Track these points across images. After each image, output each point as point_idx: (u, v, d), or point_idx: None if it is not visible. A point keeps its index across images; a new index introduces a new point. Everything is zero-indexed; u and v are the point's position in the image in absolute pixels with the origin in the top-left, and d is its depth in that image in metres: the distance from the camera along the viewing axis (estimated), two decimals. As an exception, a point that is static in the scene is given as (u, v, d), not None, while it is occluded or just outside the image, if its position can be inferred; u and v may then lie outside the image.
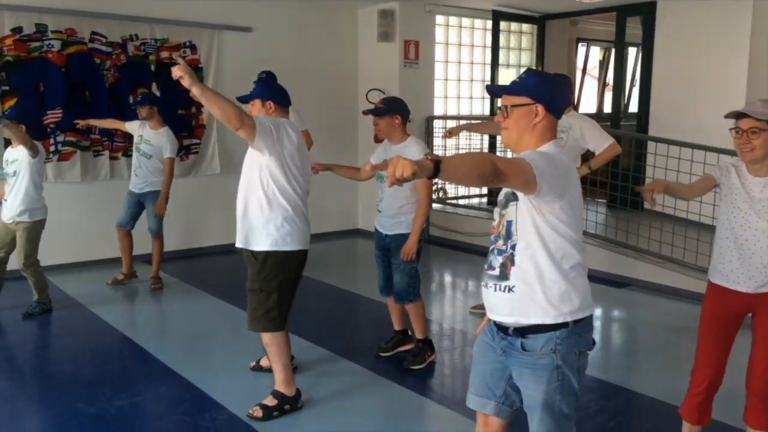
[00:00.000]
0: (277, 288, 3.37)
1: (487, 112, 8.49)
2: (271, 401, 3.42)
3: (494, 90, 2.38)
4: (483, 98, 8.64)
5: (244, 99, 3.46)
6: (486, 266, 2.25)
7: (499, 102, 2.29)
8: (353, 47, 8.00)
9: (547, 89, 2.18)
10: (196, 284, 6.00)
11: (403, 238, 3.96)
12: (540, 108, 2.16)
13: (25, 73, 5.94)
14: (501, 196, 2.26)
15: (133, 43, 6.50)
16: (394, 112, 3.99)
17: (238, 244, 3.43)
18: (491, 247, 2.25)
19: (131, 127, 5.78)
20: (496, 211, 2.27)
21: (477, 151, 2.07)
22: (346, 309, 5.47)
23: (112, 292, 5.75)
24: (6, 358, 4.42)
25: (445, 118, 8.12)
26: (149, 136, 5.66)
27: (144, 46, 6.57)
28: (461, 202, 8.23)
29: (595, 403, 3.59)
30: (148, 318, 5.46)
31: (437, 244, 7.47)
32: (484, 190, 8.26)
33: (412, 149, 3.93)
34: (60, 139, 6.20)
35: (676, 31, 7.12)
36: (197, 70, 6.90)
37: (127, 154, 6.53)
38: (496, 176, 1.86)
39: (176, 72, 2.91)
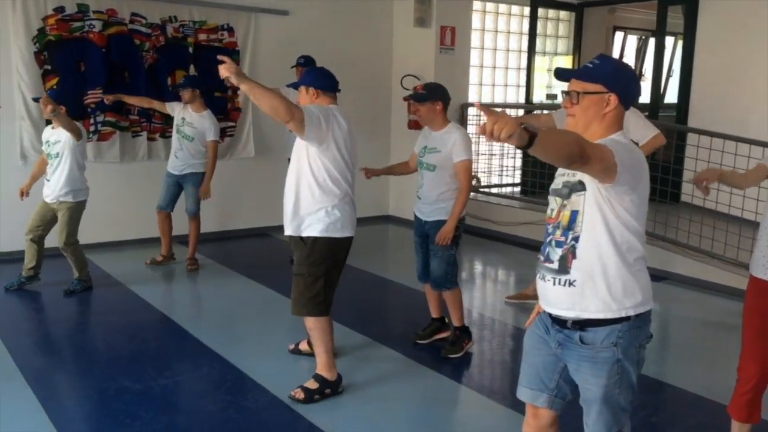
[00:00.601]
0: (324, 273, 3.39)
1: (522, 99, 8.41)
2: (312, 384, 3.45)
3: (563, 74, 2.32)
4: (518, 86, 8.56)
5: (295, 85, 3.49)
6: (542, 257, 2.23)
7: (565, 87, 2.24)
8: (388, 32, 7.96)
9: (623, 79, 2.13)
10: (231, 266, 6.05)
11: (442, 224, 3.95)
12: (613, 98, 2.11)
13: (66, 52, 6.00)
14: (559, 185, 2.20)
15: (172, 24, 6.53)
16: (436, 97, 3.97)
17: (288, 232, 3.42)
18: (548, 238, 2.21)
19: (171, 108, 5.82)
20: (553, 200, 2.22)
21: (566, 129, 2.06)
22: (380, 295, 5.49)
23: (149, 271, 5.83)
24: (49, 335, 4.51)
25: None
26: (192, 118, 5.69)
27: (183, 28, 6.59)
28: (493, 190, 8.18)
29: (636, 398, 3.56)
30: (185, 298, 5.54)
31: (470, 233, 7.43)
32: (517, 179, 8.21)
33: (453, 135, 3.94)
34: (100, 119, 6.26)
35: (719, 21, 6.97)
36: (234, 53, 6.92)
37: (165, 135, 6.58)
38: (581, 159, 1.84)
39: (223, 72, 3.00)
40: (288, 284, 5.32)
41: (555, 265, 2.15)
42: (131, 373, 3.73)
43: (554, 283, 2.14)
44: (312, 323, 3.43)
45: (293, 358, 4.05)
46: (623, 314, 2.08)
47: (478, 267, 6.67)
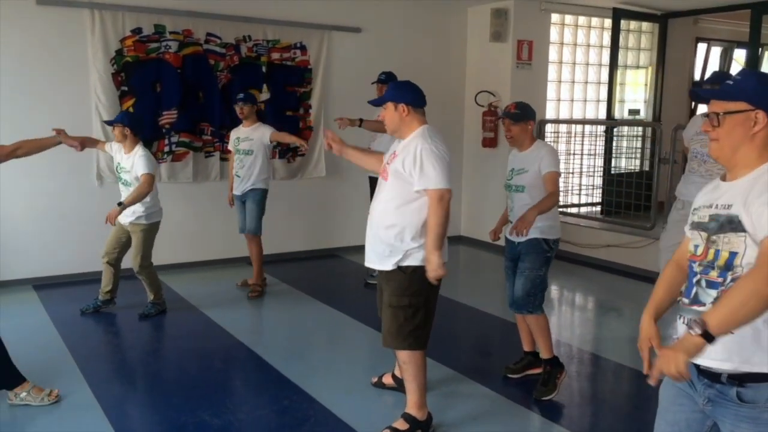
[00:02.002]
0: (424, 303, 3.18)
1: (602, 115, 8.03)
2: (402, 425, 3.20)
3: (701, 94, 2.05)
4: (597, 101, 8.18)
5: (376, 103, 3.29)
6: (687, 299, 1.93)
7: (705, 108, 1.97)
8: (462, 47, 7.74)
9: None
10: (303, 289, 5.89)
11: (535, 242, 3.72)
12: (761, 115, 1.83)
13: (143, 73, 6.00)
14: (704, 218, 1.90)
15: (246, 44, 6.48)
16: (529, 117, 3.83)
17: (378, 265, 3.21)
18: (695, 278, 1.92)
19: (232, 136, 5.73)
20: (697, 234, 1.92)
21: (741, 280, 1.83)
22: (462, 322, 5.20)
23: (222, 294, 5.71)
24: (125, 361, 4.41)
25: (557, 122, 7.73)
26: (245, 133, 5.59)
27: (256, 47, 6.53)
28: (571, 210, 7.80)
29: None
30: (259, 323, 5.39)
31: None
32: (597, 198, 7.81)
33: (540, 151, 3.75)
34: (174, 139, 6.24)
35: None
36: (306, 72, 6.83)
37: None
38: None
39: (327, 144, 3.36)
40: (362, 309, 5.22)
41: (707, 309, 1.85)
42: (210, 407, 3.56)
43: None
44: (408, 357, 3.19)
45: (376, 393, 3.82)
46: None
47: (561, 292, 6.31)
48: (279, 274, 6.22)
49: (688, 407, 1.97)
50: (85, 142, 3.65)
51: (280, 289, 5.90)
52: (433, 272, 3.03)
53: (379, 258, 3.18)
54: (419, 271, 3.12)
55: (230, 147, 5.72)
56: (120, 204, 4.69)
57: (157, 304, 5.08)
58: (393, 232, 3.11)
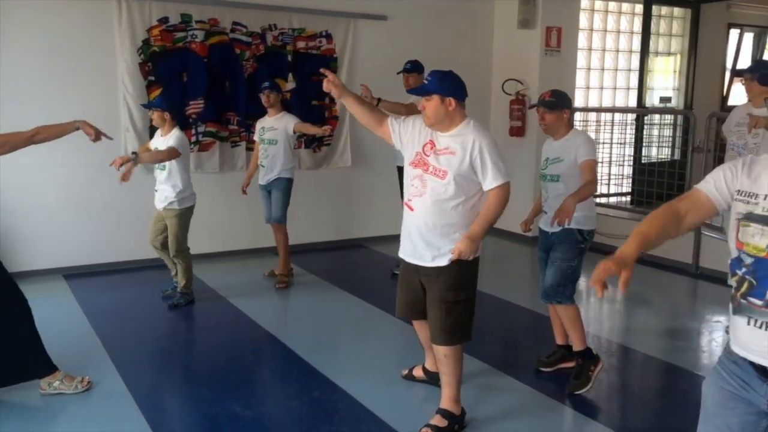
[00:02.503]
0: (473, 296, 3.17)
1: (633, 103, 7.89)
2: (440, 422, 3.15)
3: None
4: (627, 89, 8.03)
5: (419, 92, 3.16)
6: (748, 297, 1.83)
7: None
8: (488, 35, 7.62)
9: None
10: (330, 279, 5.87)
11: (569, 232, 3.64)
12: None
13: (169, 63, 5.99)
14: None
15: (271, 33, 6.43)
16: (564, 105, 3.73)
17: (427, 264, 3.13)
18: (760, 273, 1.82)
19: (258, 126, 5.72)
20: (761, 229, 1.84)
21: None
22: (493, 315, 5.14)
23: (249, 284, 5.71)
24: (156, 351, 4.42)
25: (587, 110, 7.59)
26: (270, 123, 5.56)
27: (282, 36, 6.49)
28: (601, 200, 7.68)
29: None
30: (287, 314, 5.38)
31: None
32: (626, 188, 7.68)
33: (576, 140, 3.66)
34: (201, 129, 6.23)
35: None
36: (332, 60, 6.77)
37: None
38: None
39: (327, 86, 3.06)
40: (389, 300, 5.11)
41: None
42: (241, 398, 3.55)
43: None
44: (450, 351, 3.14)
45: (406, 385, 3.78)
46: None
47: (587, 283, 6.21)
48: (305, 265, 6.20)
49: (741, 410, 1.90)
50: (100, 134, 3.63)
51: (307, 279, 5.88)
52: (465, 253, 2.97)
53: (432, 256, 3.09)
54: (473, 263, 3.10)
55: (256, 137, 5.70)
56: (134, 153, 4.75)
57: (185, 293, 5.09)
58: (452, 230, 3.05)
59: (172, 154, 4.81)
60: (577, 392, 3.66)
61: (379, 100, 5.26)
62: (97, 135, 3.67)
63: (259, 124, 5.67)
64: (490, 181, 3.01)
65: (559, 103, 3.69)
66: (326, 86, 3.06)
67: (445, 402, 3.20)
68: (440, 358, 3.19)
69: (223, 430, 3.23)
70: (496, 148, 3.05)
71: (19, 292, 3.49)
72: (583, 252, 3.74)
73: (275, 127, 5.50)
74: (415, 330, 3.60)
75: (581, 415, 3.49)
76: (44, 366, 3.56)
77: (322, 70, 3.11)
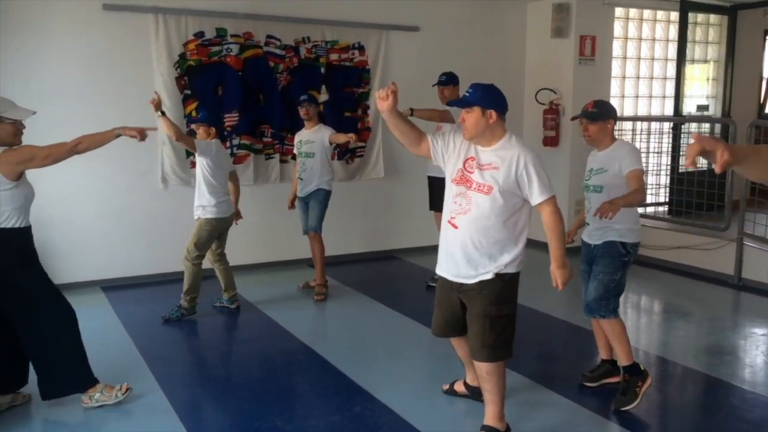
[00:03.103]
0: (515, 311, 3.13)
1: (669, 111, 7.76)
2: (484, 438, 3.11)
3: None
4: (663, 97, 7.91)
5: (460, 104, 3.12)
6: None
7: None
8: (521, 44, 7.58)
9: None
10: (364, 291, 5.84)
11: (612, 245, 3.60)
12: None
13: (205, 77, 6.04)
14: None
15: (305, 45, 6.46)
16: (608, 116, 3.68)
17: (470, 281, 3.07)
18: None
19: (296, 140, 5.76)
20: None
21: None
22: (531, 328, 5.06)
23: (284, 296, 5.71)
24: (196, 363, 4.45)
25: (622, 119, 7.47)
26: (307, 136, 5.59)
27: (315, 48, 6.51)
28: (638, 210, 7.55)
29: None
30: (323, 326, 5.37)
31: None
32: (663, 198, 7.54)
33: (621, 150, 3.61)
34: (235, 142, 6.27)
35: None
36: (364, 72, 6.78)
37: (296, 158, 6.51)
38: None
39: (381, 105, 2.94)
40: (425, 312, 5.07)
41: None
42: (281, 412, 3.54)
43: None
44: (493, 368, 3.09)
45: (448, 400, 3.73)
46: None
47: (626, 295, 6.09)
48: (339, 276, 6.18)
49: None
50: (144, 131, 3.59)
51: (341, 291, 5.87)
52: (567, 280, 3.05)
53: (476, 274, 3.04)
54: (515, 278, 3.07)
55: (295, 150, 5.73)
56: (162, 112, 4.79)
57: (183, 308, 5.01)
58: (498, 246, 3.01)
59: (189, 143, 4.89)
60: (623, 408, 3.57)
61: (412, 110, 5.22)
62: (142, 133, 3.62)
63: (297, 138, 5.70)
64: (536, 196, 2.98)
65: (602, 114, 3.64)
66: (382, 94, 2.89)
67: (490, 419, 3.14)
68: (482, 375, 3.13)
69: (266, 445, 3.22)
70: (541, 163, 3.02)
71: (67, 304, 3.53)
72: (626, 265, 3.67)
73: (312, 140, 5.51)
74: (453, 346, 3.55)
75: (627, 431, 3.40)
76: (86, 379, 3.58)
77: (378, 92, 2.95)
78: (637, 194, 3.45)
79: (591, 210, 3.68)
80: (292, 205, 5.83)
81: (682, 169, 7.25)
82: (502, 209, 2.98)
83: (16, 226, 3.34)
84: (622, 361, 3.69)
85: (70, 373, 3.54)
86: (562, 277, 3.04)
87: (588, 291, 3.69)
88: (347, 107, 6.77)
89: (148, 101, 4.76)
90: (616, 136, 3.75)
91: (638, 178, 3.50)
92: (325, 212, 5.60)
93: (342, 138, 5.50)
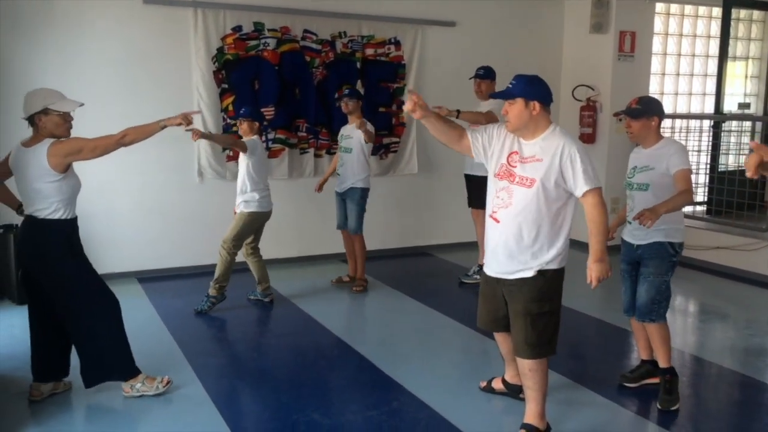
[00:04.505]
0: (558, 308, 3.07)
1: (710, 109, 7.60)
2: (524, 436, 3.07)
3: None
4: (704, 95, 7.75)
5: (502, 96, 3.07)
6: None
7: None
8: (558, 40, 7.48)
9: None
10: (398, 287, 5.83)
11: (659, 246, 3.51)
12: None
13: (242, 71, 6.07)
14: None
15: (341, 40, 6.46)
16: (652, 113, 3.57)
17: (511, 276, 3.04)
18: None
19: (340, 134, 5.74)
20: None
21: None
22: (567, 327, 4.98)
23: (318, 290, 5.72)
24: (233, 356, 4.49)
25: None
26: (348, 131, 5.57)
27: (351, 43, 6.50)
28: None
29: None
30: (357, 321, 5.37)
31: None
32: (702, 197, 7.40)
33: (669, 148, 3.51)
34: (271, 136, 6.29)
35: None
36: (400, 67, 6.75)
37: (330, 152, 6.53)
38: None
39: (412, 107, 2.87)
40: (460, 309, 5.11)
41: None
42: (319, 406, 3.54)
43: None
44: (536, 365, 3.05)
45: (485, 397, 3.70)
46: None
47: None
48: (372, 272, 6.15)
49: None
50: (188, 115, 3.58)
51: (375, 286, 5.86)
52: (603, 275, 2.94)
53: (516, 269, 3.01)
54: (558, 274, 3.01)
55: (339, 143, 5.73)
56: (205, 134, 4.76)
57: (212, 297, 5.06)
58: (539, 242, 2.96)
59: (240, 146, 4.91)
60: (671, 408, 3.52)
61: (458, 112, 5.19)
62: (186, 119, 3.57)
63: (341, 132, 5.69)
64: (581, 187, 2.91)
65: (645, 110, 3.55)
66: (409, 107, 2.87)
67: (530, 417, 3.11)
68: (524, 372, 3.10)
69: (305, 438, 3.22)
70: (586, 154, 2.96)
71: (111, 294, 3.58)
72: (675, 266, 3.61)
73: (351, 135, 5.51)
74: (496, 342, 3.52)
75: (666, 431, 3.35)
76: (129, 368, 3.62)
77: (409, 90, 2.99)
78: (682, 197, 3.37)
79: (634, 209, 3.60)
80: (319, 189, 5.82)
81: (722, 168, 7.11)
82: (545, 203, 2.93)
83: (64, 217, 3.38)
84: (663, 363, 3.64)
85: (113, 361, 3.59)
86: (597, 271, 2.93)
87: (639, 295, 3.59)
88: (382, 102, 6.74)
89: (188, 134, 4.42)
90: (663, 135, 3.68)
91: (686, 178, 3.42)
92: (364, 211, 5.60)
93: (364, 135, 5.34)
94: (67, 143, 3.35)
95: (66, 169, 3.36)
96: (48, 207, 3.34)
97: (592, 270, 2.94)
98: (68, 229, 3.43)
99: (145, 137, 3.51)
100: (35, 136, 3.37)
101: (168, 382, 3.66)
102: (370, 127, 5.37)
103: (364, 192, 5.57)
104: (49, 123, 3.33)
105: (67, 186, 3.37)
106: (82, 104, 3.42)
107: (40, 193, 3.33)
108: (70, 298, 3.46)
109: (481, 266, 5.66)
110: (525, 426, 3.10)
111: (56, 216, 3.36)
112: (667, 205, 3.33)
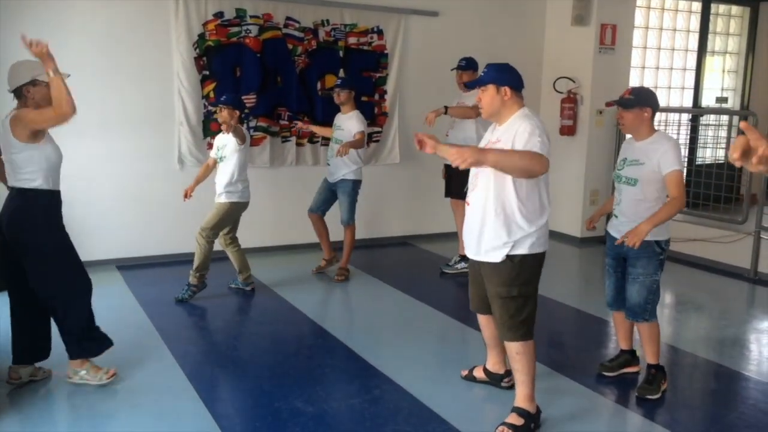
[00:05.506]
0: (533, 292, 3.12)
1: (688, 103, 7.70)
2: (517, 420, 3.11)
3: None
4: (682, 88, 7.84)
5: (474, 84, 3.14)
6: None
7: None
8: (540, 32, 7.51)
9: None
10: (379, 276, 5.84)
11: (645, 245, 3.45)
12: None
13: (224, 58, 6.01)
14: None
15: (323, 28, 6.42)
16: (645, 104, 3.53)
17: (482, 257, 3.11)
18: None
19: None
20: None
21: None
22: (545, 316, 5.04)
23: (299, 279, 5.71)
24: (214, 344, 4.47)
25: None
26: (340, 121, 5.56)
27: (334, 31, 6.47)
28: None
29: None
30: (339, 310, 5.38)
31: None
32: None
33: (661, 145, 3.47)
34: (252, 124, 6.24)
35: None
36: (382, 56, 6.74)
37: (312, 140, 6.51)
38: None
39: (428, 150, 2.94)
40: (440, 298, 5.16)
41: None
42: (302, 394, 3.54)
43: None
44: (521, 347, 3.11)
45: (466, 385, 3.73)
46: None
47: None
48: (353, 261, 6.12)
49: None
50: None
51: (357, 276, 5.86)
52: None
53: (484, 250, 3.08)
54: (529, 259, 3.04)
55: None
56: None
57: (193, 286, 5.03)
58: (500, 221, 3.00)
59: (240, 134, 4.86)
60: (648, 396, 3.57)
61: (446, 108, 5.25)
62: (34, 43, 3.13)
63: (335, 121, 5.66)
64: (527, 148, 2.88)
65: (637, 101, 3.50)
66: (427, 150, 2.92)
67: (520, 400, 3.15)
68: (512, 355, 3.16)
69: (286, 426, 3.22)
70: (537, 129, 2.92)
71: (87, 275, 3.58)
72: (663, 263, 3.59)
73: (342, 127, 5.49)
74: (480, 326, 3.57)
75: (648, 421, 3.40)
76: (102, 344, 3.61)
77: (417, 134, 2.97)
78: (673, 206, 3.37)
79: (621, 203, 3.60)
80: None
81: (699, 161, 7.22)
82: (502, 184, 2.98)
83: (42, 187, 3.35)
84: (651, 360, 3.67)
85: (90, 336, 3.58)
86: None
87: (630, 295, 3.59)
88: (365, 92, 6.72)
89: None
90: (657, 129, 3.58)
91: (678, 182, 3.38)
92: (355, 202, 5.61)
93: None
94: (26, 110, 3.28)
95: (32, 138, 3.30)
96: (24, 176, 3.31)
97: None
98: (46, 199, 3.39)
99: (66, 92, 3.18)
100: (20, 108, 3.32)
101: (113, 374, 3.61)
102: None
103: (355, 184, 5.57)
104: (38, 94, 3.30)
105: (39, 156, 3.33)
106: (68, 75, 3.33)
107: (13, 164, 3.33)
108: (43, 267, 3.39)
109: (462, 256, 5.74)
110: (515, 409, 3.15)
111: (32, 185, 3.33)
112: (653, 220, 3.33)
